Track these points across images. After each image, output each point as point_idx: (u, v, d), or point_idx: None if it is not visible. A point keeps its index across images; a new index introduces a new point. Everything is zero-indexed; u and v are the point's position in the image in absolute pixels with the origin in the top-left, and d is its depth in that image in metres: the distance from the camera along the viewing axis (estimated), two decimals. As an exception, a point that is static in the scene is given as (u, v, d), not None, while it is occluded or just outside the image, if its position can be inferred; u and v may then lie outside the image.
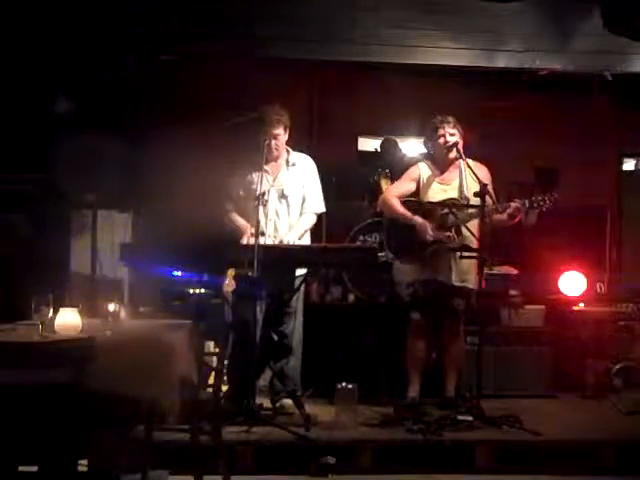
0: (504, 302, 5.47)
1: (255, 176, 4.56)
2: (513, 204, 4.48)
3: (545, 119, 6.46)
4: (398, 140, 6.39)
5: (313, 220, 4.72)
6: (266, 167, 4.64)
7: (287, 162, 4.69)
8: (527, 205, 4.48)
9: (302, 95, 6.24)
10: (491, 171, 4.78)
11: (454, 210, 4.60)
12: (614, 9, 5.20)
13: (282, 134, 4.60)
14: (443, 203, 4.63)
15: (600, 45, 5.31)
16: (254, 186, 4.54)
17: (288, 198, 4.64)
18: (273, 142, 4.56)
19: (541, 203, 4.47)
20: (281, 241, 4.48)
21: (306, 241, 4.68)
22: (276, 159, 4.67)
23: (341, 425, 4.32)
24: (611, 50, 5.34)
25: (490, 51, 5.36)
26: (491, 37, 5.33)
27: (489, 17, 5.29)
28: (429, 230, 4.58)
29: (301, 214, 4.68)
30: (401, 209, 4.70)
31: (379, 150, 6.48)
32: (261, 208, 4.47)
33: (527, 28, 5.31)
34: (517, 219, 4.52)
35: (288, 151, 4.71)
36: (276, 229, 4.60)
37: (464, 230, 4.60)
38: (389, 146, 6.36)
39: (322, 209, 4.74)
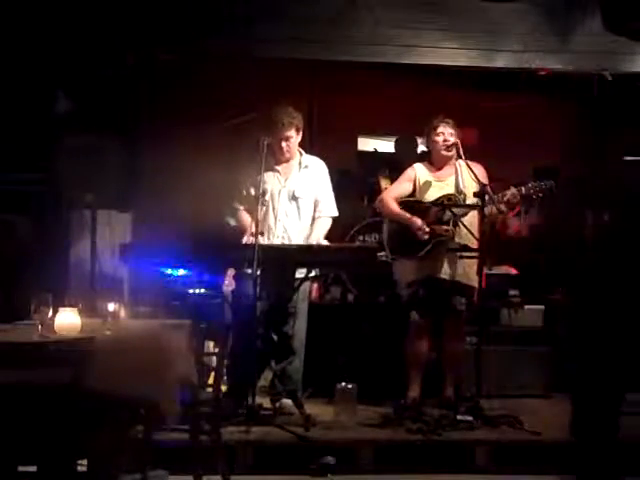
0: (504, 302, 5.47)
1: (267, 176, 4.57)
2: (509, 191, 4.51)
3: (545, 119, 6.47)
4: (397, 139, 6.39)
5: (329, 224, 4.72)
6: (278, 168, 4.65)
7: (300, 164, 4.68)
8: (524, 192, 4.50)
9: (301, 95, 6.23)
10: (490, 171, 4.79)
11: (448, 206, 4.61)
12: (614, 9, 5.20)
13: (294, 136, 4.58)
14: (440, 203, 4.64)
15: (600, 45, 5.30)
16: (265, 185, 4.55)
17: (299, 200, 4.63)
18: (284, 144, 4.56)
19: (537, 189, 4.49)
20: (310, 244, 4.48)
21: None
22: (288, 160, 4.66)
23: (341, 425, 4.33)
24: (611, 50, 5.33)
25: (490, 51, 5.36)
26: (491, 37, 5.32)
27: (489, 17, 5.28)
28: (424, 229, 4.60)
29: (313, 217, 4.68)
30: (397, 210, 4.74)
31: (394, 148, 6.45)
32: (266, 208, 4.50)
33: (527, 28, 5.31)
34: (516, 210, 4.54)
35: (301, 153, 4.70)
36: (285, 230, 4.60)
37: (462, 227, 4.62)
38: (405, 144, 6.32)
39: (335, 213, 4.74)
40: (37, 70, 4.97)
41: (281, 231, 4.59)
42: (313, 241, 4.51)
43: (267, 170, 4.56)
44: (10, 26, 4.88)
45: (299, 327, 4.61)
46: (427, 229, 4.61)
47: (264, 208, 4.54)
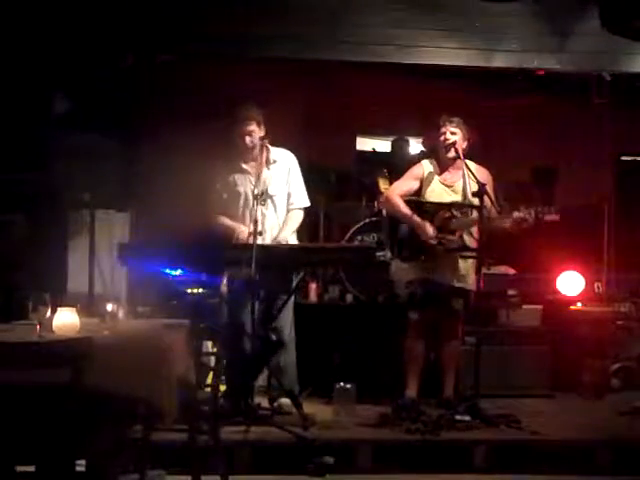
0: (502, 302, 5.47)
1: (238, 177, 4.57)
2: (517, 213, 4.44)
3: (544, 119, 6.47)
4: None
5: (301, 216, 4.71)
6: (246, 167, 4.62)
7: (267, 160, 4.63)
8: (532, 215, 4.43)
9: (301, 95, 6.24)
10: (490, 172, 4.77)
11: (456, 215, 4.59)
12: (613, 9, 5.20)
13: (256, 130, 4.55)
14: (445, 204, 4.62)
15: (599, 45, 5.30)
16: (238, 188, 4.55)
17: (273, 198, 4.61)
18: (248, 139, 4.53)
19: (546, 213, 4.43)
20: (278, 242, 4.48)
21: (293, 239, 4.67)
22: (255, 158, 4.59)
23: (339, 425, 4.33)
24: (610, 50, 5.33)
25: (489, 51, 5.36)
26: (490, 37, 5.32)
27: (489, 17, 5.28)
28: (429, 232, 4.57)
29: (288, 211, 4.68)
30: (404, 209, 4.68)
31: (390, 149, 6.46)
32: (242, 209, 4.50)
33: (526, 28, 5.31)
34: (522, 228, 4.48)
35: (267, 148, 4.62)
36: (264, 229, 4.57)
37: (466, 235, 4.60)
38: (401, 146, 6.33)
39: (307, 203, 4.73)
40: (36, 70, 4.96)
41: (261, 230, 4.56)
42: (282, 239, 4.48)
43: (236, 172, 4.56)
44: (9, 26, 4.87)
45: (287, 320, 4.61)
46: (432, 233, 4.56)
47: (241, 209, 4.55)
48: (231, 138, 4.58)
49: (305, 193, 4.72)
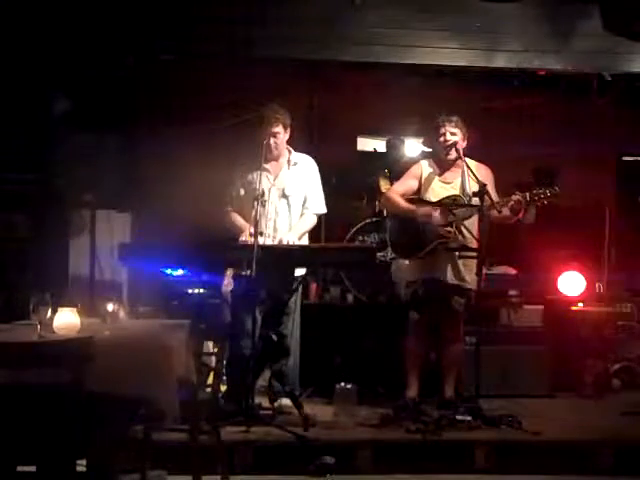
0: (503, 302, 5.47)
1: (255, 175, 4.57)
2: (514, 197, 4.45)
3: (544, 119, 6.47)
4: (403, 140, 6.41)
5: (314, 221, 4.72)
6: (267, 166, 4.63)
7: (288, 162, 4.68)
8: (528, 198, 4.45)
9: (302, 95, 6.24)
10: (491, 172, 4.78)
11: (452, 208, 4.59)
12: (613, 9, 5.20)
13: (282, 133, 4.59)
14: (444, 203, 4.62)
15: (599, 45, 5.30)
16: (254, 186, 4.54)
17: (289, 198, 4.63)
18: (272, 140, 4.56)
19: (542, 196, 4.44)
20: (280, 241, 4.48)
21: (304, 242, 4.67)
22: (277, 158, 4.66)
23: (340, 425, 4.33)
24: (610, 50, 5.33)
25: (490, 51, 5.36)
26: (490, 37, 5.32)
27: (489, 17, 5.28)
28: (436, 215, 4.57)
29: (302, 214, 4.68)
30: (403, 203, 4.70)
31: (385, 149, 6.47)
32: (260, 208, 4.48)
33: (527, 28, 5.31)
34: (520, 214, 4.48)
35: (290, 151, 4.70)
36: (275, 229, 4.59)
37: (463, 228, 4.60)
38: (395, 146, 6.34)
39: (323, 210, 4.74)
40: (37, 70, 4.97)
41: (271, 229, 4.58)
42: (289, 239, 4.47)
43: (256, 170, 4.56)
44: (11, 26, 4.88)
45: (294, 326, 4.61)
46: (436, 214, 4.57)
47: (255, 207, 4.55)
48: (255, 137, 4.57)
49: (322, 200, 4.72)
